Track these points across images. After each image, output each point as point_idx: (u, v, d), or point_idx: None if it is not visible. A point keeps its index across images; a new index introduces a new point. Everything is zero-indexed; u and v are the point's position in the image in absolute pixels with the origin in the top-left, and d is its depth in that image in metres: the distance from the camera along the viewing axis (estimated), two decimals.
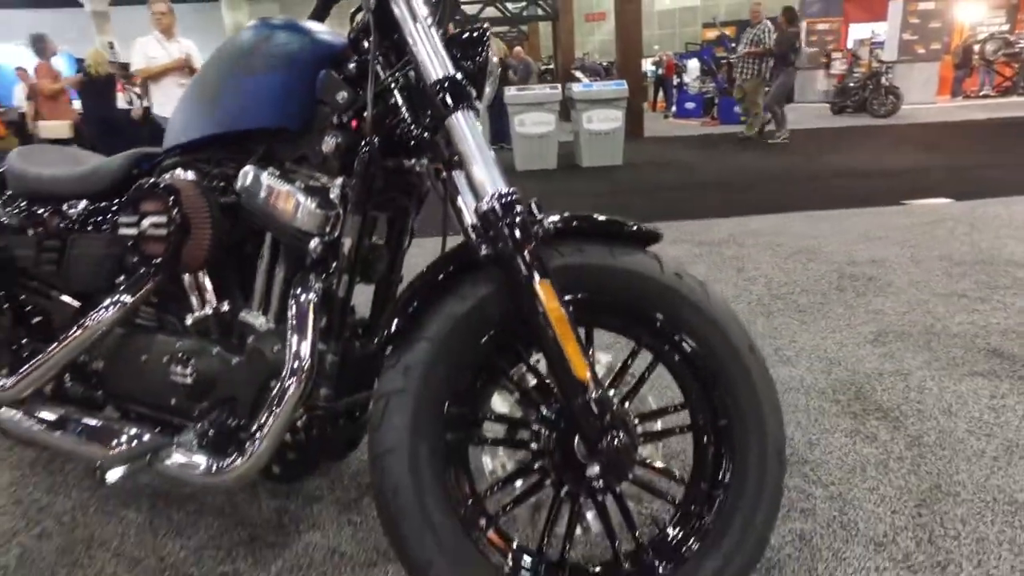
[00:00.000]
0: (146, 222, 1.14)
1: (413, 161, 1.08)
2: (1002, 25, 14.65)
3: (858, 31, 15.84)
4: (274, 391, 1.05)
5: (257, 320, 1.17)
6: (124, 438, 1.19)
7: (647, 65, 15.82)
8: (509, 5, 14.98)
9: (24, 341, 1.51)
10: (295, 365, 1.04)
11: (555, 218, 0.99)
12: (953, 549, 1.23)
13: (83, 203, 1.39)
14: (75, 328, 1.25)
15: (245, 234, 1.19)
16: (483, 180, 0.95)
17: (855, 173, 5.73)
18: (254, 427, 1.07)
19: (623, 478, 1.00)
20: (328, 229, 1.08)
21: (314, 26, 1.15)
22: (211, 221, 1.12)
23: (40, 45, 6.31)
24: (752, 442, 1.03)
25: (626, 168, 6.99)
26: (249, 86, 1.12)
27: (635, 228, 1.04)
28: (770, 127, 8.58)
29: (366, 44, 1.07)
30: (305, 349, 1.05)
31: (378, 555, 1.29)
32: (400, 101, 1.04)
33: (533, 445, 1.03)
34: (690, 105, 14.23)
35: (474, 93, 1.01)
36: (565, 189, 5.95)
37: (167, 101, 4.53)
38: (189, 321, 1.23)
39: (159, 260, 1.15)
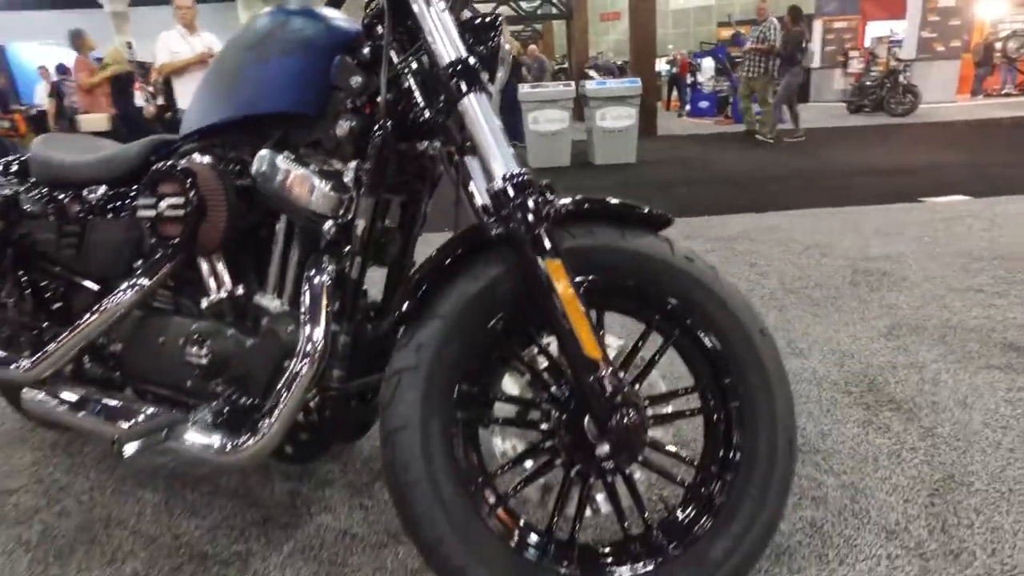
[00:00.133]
0: (164, 203, 1.16)
1: (426, 144, 1.09)
2: None
3: (876, 29, 15.66)
4: (287, 372, 1.07)
5: (271, 303, 1.19)
6: (141, 417, 1.22)
7: (661, 64, 15.76)
8: (523, 4, 14.97)
9: (45, 325, 1.54)
10: (308, 346, 1.06)
11: (567, 200, 1.00)
12: (967, 538, 1.22)
13: (102, 188, 1.41)
14: (94, 310, 1.28)
15: (260, 218, 1.20)
16: (495, 161, 0.96)
17: (871, 171, 5.67)
18: (267, 407, 1.08)
19: (633, 458, 1.00)
20: (342, 212, 1.09)
21: (329, 12, 1.17)
22: (227, 203, 1.14)
23: (78, 41, 6.44)
24: (762, 425, 1.03)
25: (639, 166, 6.97)
26: (265, 71, 1.13)
27: (646, 211, 1.04)
28: (784, 126, 8.51)
29: (380, 29, 1.08)
30: (318, 330, 1.06)
31: (389, 537, 1.30)
32: (413, 85, 1.06)
33: (544, 425, 1.04)
34: (704, 104, 14.15)
35: (486, 77, 1.02)
36: (578, 186, 5.95)
37: (190, 95, 4.58)
38: (205, 304, 1.25)
39: (176, 241, 1.17)
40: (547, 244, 0.92)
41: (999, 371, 1.86)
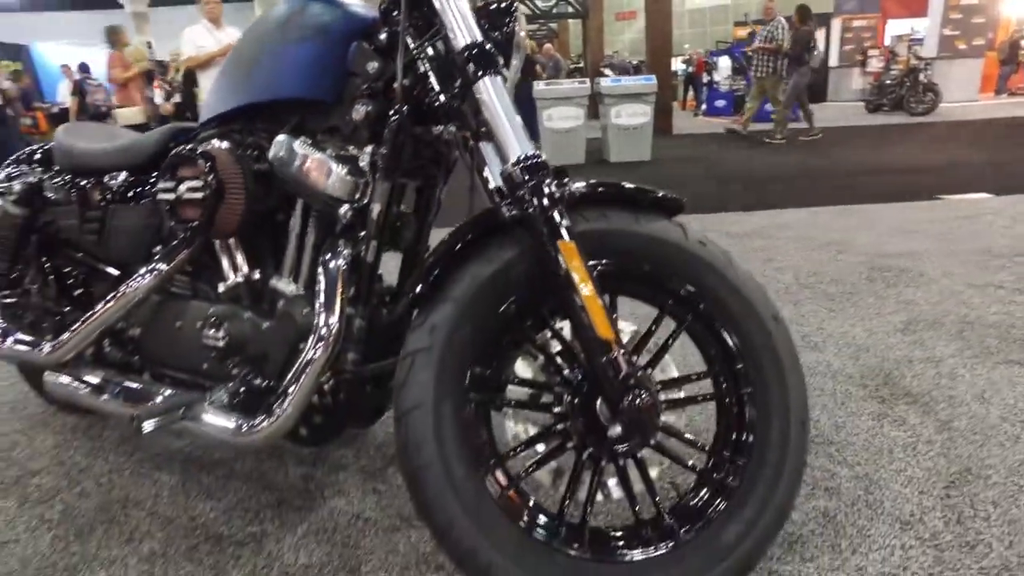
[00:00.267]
0: (183, 187, 1.18)
1: (441, 129, 1.10)
2: None
3: (896, 27, 15.47)
4: (302, 354, 1.09)
5: (287, 286, 1.21)
6: (159, 398, 1.24)
7: (677, 64, 15.67)
8: (539, 2, 14.97)
9: (67, 309, 1.57)
10: (323, 329, 1.07)
11: (580, 184, 1.00)
12: (983, 530, 1.21)
13: (123, 175, 1.44)
14: (113, 295, 1.31)
15: (276, 203, 1.22)
16: (509, 143, 0.97)
17: (888, 169, 5.60)
18: (282, 389, 1.10)
19: (645, 442, 1.01)
20: (358, 196, 1.11)
21: None
22: (245, 186, 1.16)
23: (114, 36, 6.58)
24: (775, 409, 1.02)
25: (654, 164, 6.94)
26: (283, 58, 1.15)
27: (660, 195, 1.05)
28: (798, 125, 8.43)
29: (397, 15, 1.09)
30: (333, 313, 1.08)
31: (401, 521, 1.31)
32: (429, 70, 1.07)
33: (556, 408, 1.04)
34: (720, 103, 14.07)
35: (501, 61, 1.02)
36: None
37: None
38: (221, 288, 1.27)
39: (195, 224, 1.19)
40: (561, 225, 0.93)
41: (1018, 366, 1.84)
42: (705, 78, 15.48)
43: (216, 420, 1.16)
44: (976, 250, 2.99)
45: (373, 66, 1.09)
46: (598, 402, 0.97)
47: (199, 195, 1.16)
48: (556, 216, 0.93)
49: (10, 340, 1.50)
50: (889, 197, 4.30)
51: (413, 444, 0.96)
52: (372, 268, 1.16)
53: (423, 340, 0.97)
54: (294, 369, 1.09)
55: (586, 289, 0.92)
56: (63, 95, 10.11)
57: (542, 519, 1.03)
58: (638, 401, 0.94)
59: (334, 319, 1.08)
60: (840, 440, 1.52)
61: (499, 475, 1.04)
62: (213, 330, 1.23)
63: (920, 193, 4.36)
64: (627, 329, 1.08)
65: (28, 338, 1.48)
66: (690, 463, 1.10)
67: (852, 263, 2.91)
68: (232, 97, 1.22)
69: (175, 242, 1.27)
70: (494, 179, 1.02)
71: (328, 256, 1.12)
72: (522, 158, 0.95)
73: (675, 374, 1.10)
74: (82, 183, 1.49)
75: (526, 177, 0.94)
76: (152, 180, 1.36)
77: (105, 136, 1.56)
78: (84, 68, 8.78)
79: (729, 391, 1.07)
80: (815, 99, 8.76)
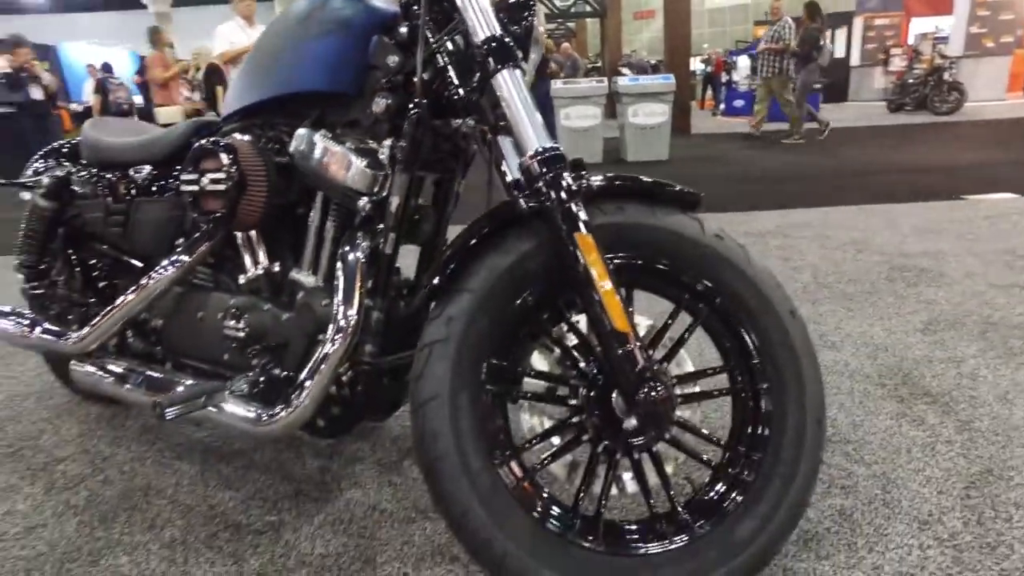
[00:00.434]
0: (206, 179, 1.20)
1: (460, 122, 1.10)
2: None
3: (920, 25, 15.22)
4: (321, 345, 1.10)
5: (307, 278, 1.22)
6: (180, 388, 1.26)
7: (696, 63, 15.56)
8: (557, 1, 14.94)
9: (92, 301, 1.61)
10: (341, 321, 1.08)
11: (598, 177, 1.00)
12: (1004, 531, 1.19)
13: (147, 169, 1.47)
14: (137, 287, 1.33)
15: (296, 195, 1.24)
16: (527, 136, 0.98)
17: (910, 168, 5.52)
18: (301, 380, 1.11)
19: (660, 436, 1.01)
20: (377, 188, 1.12)
21: None
22: (266, 179, 1.18)
23: (155, 36, 6.75)
24: (791, 406, 1.02)
25: (671, 163, 6.90)
26: (304, 52, 1.17)
27: (677, 189, 1.05)
28: (809, 125, 8.32)
29: (417, 9, 1.10)
30: (352, 305, 1.09)
31: (417, 512, 1.32)
32: (448, 64, 1.08)
33: (571, 401, 1.05)
34: (739, 103, 13.93)
35: (520, 54, 1.03)
36: None
37: None
38: (242, 280, 1.29)
39: (216, 216, 1.21)
40: (578, 218, 0.93)
41: None
42: (724, 78, 15.36)
43: (236, 409, 1.17)
44: (1000, 250, 2.94)
45: (393, 60, 1.10)
46: (614, 395, 0.97)
47: (221, 187, 1.18)
48: (573, 208, 0.93)
49: (38, 330, 1.53)
50: (910, 197, 4.24)
51: (430, 435, 0.96)
52: (390, 260, 1.17)
53: (440, 331, 0.98)
54: (313, 360, 1.10)
55: (603, 282, 0.93)
56: (88, 94, 10.30)
57: (557, 511, 1.04)
58: (654, 394, 0.94)
59: (352, 311, 1.09)
60: (857, 439, 1.50)
61: (515, 467, 1.04)
62: (234, 321, 1.25)
63: (942, 193, 4.30)
64: (643, 323, 1.08)
65: (55, 328, 1.52)
66: (705, 458, 1.10)
67: (871, 262, 2.87)
68: (254, 91, 1.24)
69: (197, 234, 1.29)
70: (512, 173, 1.02)
71: (347, 248, 1.14)
72: (540, 151, 0.96)
73: (691, 368, 1.10)
74: (108, 177, 1.52)
75: (544, 169, 0.95)
76: (175, 173, 1.39)
77: (131, 131, 1.59)
78: (107, 68, 8.95)
79: (745, 386, 1.06)
80: (836, 99, 8.62)
